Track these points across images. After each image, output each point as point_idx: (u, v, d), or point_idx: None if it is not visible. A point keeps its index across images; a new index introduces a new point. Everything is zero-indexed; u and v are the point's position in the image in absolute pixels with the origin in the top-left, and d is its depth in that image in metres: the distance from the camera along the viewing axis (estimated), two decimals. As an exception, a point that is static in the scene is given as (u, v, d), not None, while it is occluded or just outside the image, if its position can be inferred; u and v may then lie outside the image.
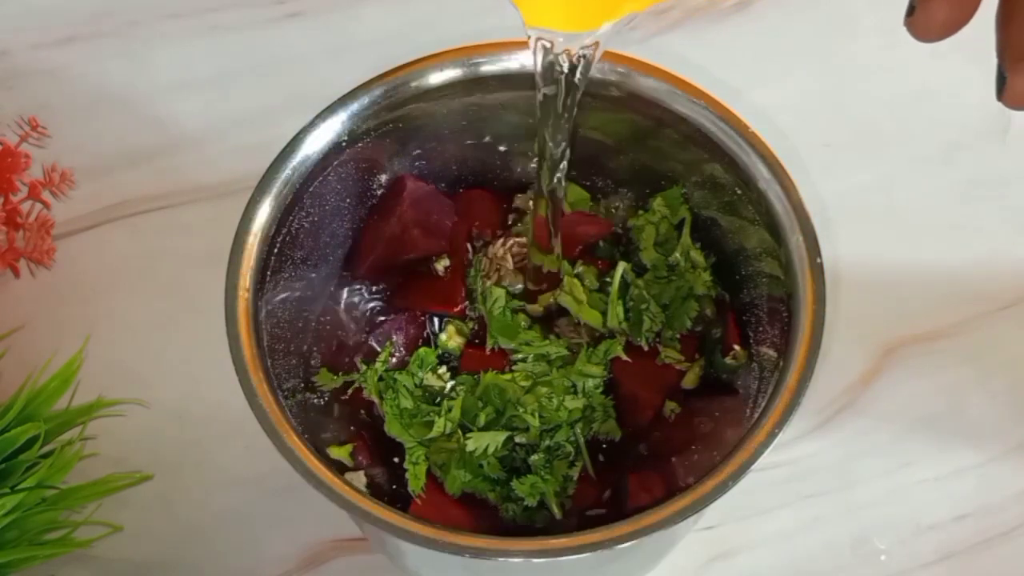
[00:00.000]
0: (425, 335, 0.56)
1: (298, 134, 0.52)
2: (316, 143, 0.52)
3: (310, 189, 0.53)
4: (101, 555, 0.60)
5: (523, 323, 0.55)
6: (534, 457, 0.52)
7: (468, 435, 0.52)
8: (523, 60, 0.54)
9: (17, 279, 0.67)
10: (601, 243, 0.58)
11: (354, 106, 0.53)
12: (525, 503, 0.51)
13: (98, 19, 0.78)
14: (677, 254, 0.56)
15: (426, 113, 0.55)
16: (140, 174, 0.72)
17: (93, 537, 0.59)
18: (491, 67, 0.54)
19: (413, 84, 0.54)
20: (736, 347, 0.55)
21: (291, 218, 0.53)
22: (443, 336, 0.55)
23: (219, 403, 0.65)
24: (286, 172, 0.52)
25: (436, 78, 0.54)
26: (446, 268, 0.57)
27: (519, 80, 0.54)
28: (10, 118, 0.68)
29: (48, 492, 0.57)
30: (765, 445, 0.45)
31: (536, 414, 0.52)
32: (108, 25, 0.78)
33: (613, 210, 0.59)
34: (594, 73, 0.53)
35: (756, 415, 0.47)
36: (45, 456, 0.57)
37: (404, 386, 0.53)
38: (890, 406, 0.65)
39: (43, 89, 0.75)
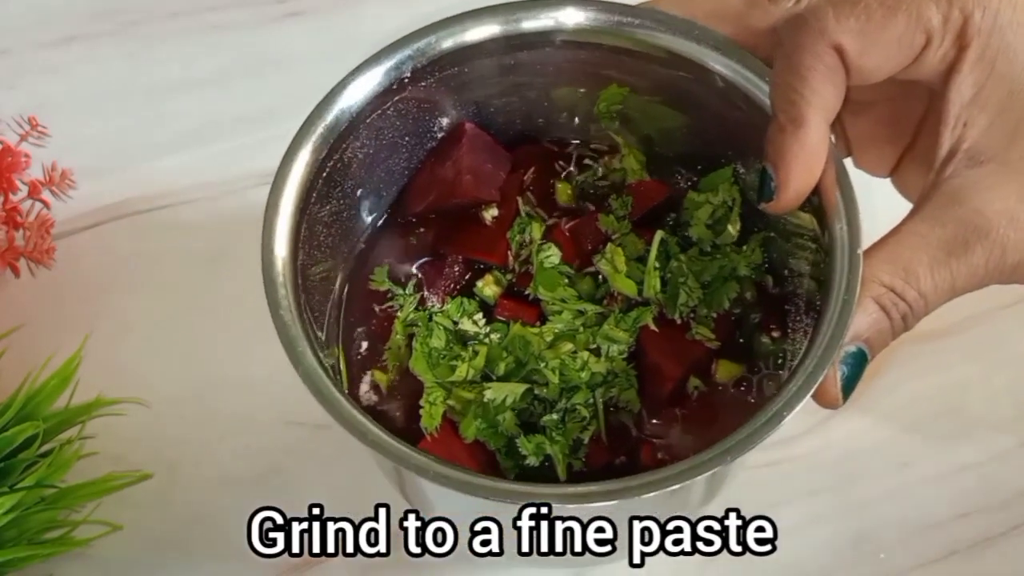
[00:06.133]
0: (464, 281, 0.56)
1: (348, 75, 0.52)
2: (364, 88, 0.53)
3: (367, 120, 0.53)
4: (100, 554, 0.59)
5: (565, 280, 0.54)
6: (547, 417, 0.51)
7: (488, 384, 0.51)
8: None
9: (17, 279, 0.67)
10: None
11: (409, 51, 0.53)
12: (527, 461, 0.51)
13: (98, 18, 0.78)
14: (730, 229, 0.55)
15: (489, 65, 0.55)
16: (140, 174, 0.72)
17: (92, 536, 0.59)
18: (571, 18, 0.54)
19: (466, 37, 0.53)
20: (774, 334, 0.54)
21: (344, 146, 0.52)
22: (480, 283, 0.55)
23: (219, 402, 0.65)
24: (335, 112, 0.52)
25: (506, 30, 0.54)
26: (494, 218, 0.56)
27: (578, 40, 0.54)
28: (10, 117, 0.68)
29: (47, 491, 0.57)
30: (769, 426, 0.44)
31: (557, 371, 0.51)
32: (108, 25, 0.78)
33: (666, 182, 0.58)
34: (669, 42, 0.53)
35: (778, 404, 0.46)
36: (44, 455, 0.57)
37: (440, 325, 0.53)
38: (891, 404, 0.65)
39: (43, 88, 0.75)
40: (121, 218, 0.71)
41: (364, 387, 0.54)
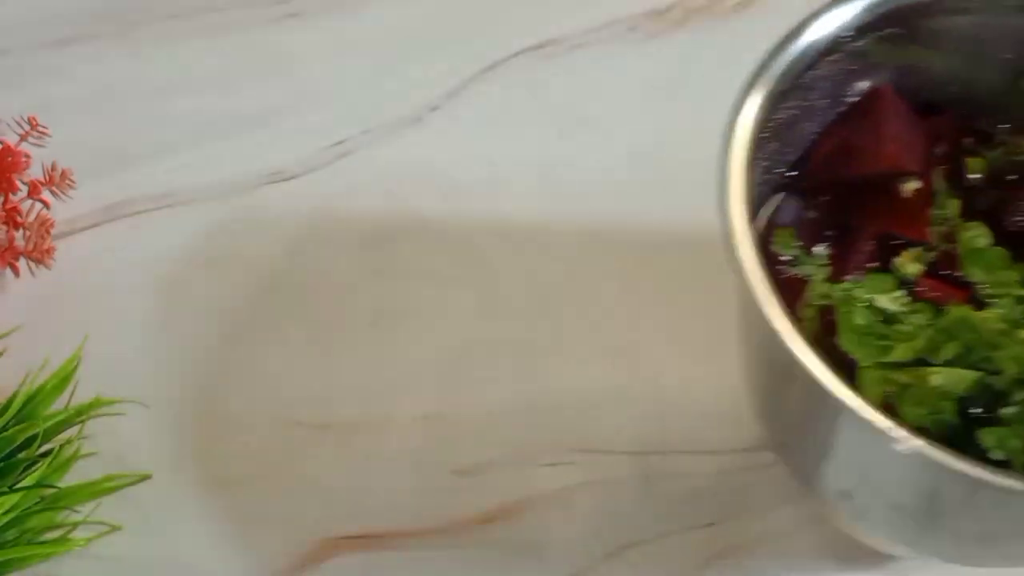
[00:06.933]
0: (877, 256, 0.52)
1: (797, 27, 0.49)
2: (815, 37, 0.49)
3: (800, 80, 0.50)
4: (100, 554, 0.59)
5: (1002, 261, 0.51)
6: (1006, 410, 0.47)
7: (935, 369, 0.48)
8: None
9: (17, 279, 0.67)
10: None
11: (864, 2, 0.50)
12: (988, 456, 0.47)
13: (98, 19, 0.78)
14: None
15: (927, 27, 0.52)
16: (140, 174, 0.72)
17: (92, 536, 0.59)
18: None
19: None
20: None
21: (780, 105, 0.49)
22: (900, 259, 0.51)
23: (219, 402, 0.65)
24: (786, 62, 0.49)
25: None
26: (916, 191, 0.53)
27: None
28: (10, 117, 0.68)
29: (46, 491, 0.57)
30: None
31: (1015, 360, 0.47)
32: (108, 25, 0.78)
33: None
34: None
35: None
36: (43, 455, 0.57)
37: (860, 302, 0.50)
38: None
39: (43, 88, 0.75)
40: (121, 218, 0.70)
41: None
